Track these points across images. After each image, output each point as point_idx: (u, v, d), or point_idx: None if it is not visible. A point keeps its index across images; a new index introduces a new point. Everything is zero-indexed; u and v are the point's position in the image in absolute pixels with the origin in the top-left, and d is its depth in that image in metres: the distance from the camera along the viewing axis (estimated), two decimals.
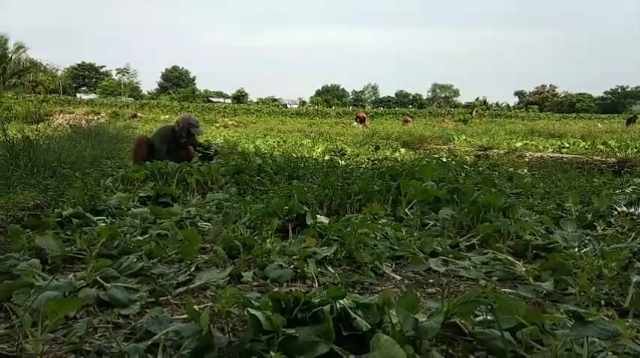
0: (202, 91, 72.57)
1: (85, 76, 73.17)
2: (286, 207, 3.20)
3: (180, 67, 78.12)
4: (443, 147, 11.33)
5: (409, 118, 31.83)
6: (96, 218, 3.08)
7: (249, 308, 1.37)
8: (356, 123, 29.89)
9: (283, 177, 4.99)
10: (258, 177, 4.94)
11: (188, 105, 40.29)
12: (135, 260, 2.19)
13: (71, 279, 1.96)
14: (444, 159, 9.29)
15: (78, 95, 56.03)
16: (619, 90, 72.57)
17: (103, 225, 2.94)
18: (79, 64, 72.54)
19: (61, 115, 27.57)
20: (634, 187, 5.00)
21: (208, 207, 3.65)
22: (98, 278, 1.96)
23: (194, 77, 78.63)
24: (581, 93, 72.60)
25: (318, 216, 3.14)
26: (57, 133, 7.40)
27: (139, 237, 2.68)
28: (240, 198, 3.93)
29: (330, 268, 2.31)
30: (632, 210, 3.85)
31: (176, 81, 74.85)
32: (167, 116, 33.89)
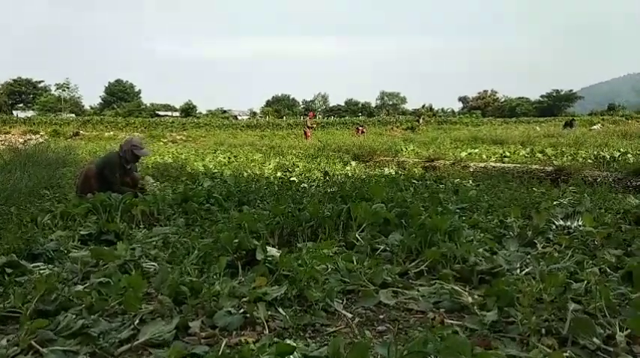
0: (148, 105, 70.66)
1: (22, 91, 69.60)
2: (236, 241, 3.15)
3: (125, 81, 75.87)
4: (392, 159, 11.54)
5: (363, 128, 32.24)
6: (32, 264, 2.92)
7: None
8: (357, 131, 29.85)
9: (233, 203, 4.91)
10: (208, 204, 4.85)
11: (134, 121, 39.07)
12: (74, 316, 2.08)
13: (5, 345, 1.84)
14: (394, 172, 9.50)
15: (14, 112, 53.20)
16: (554, 94, 76.69)
17: (41, 271, 2.78)
18: (14, 80, 68.95)
19: None
20: (569, 198, 5.29)
21: (154, 242, 3.54)
22: (33, 342, 1.85)
23: (139, 90, 76.58)
24: (520, 97, 76.28)
25: (268, 248, 3.11)
26: None
27: (79, 286, 2.55)
28: (188, 232, 3.83)
29: (280, 310, 2.28)
30: (569, 223, 4.06)
31: (120, 95, 72.50)
32: (111, 133, 32.76)
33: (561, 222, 4.06)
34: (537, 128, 35.35)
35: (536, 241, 3.56)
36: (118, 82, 75.07)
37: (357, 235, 3.68)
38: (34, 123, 35.52)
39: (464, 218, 4.46)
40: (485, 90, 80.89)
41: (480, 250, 3.23)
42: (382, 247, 3.42)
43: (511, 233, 3.83)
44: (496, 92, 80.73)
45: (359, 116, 63.97)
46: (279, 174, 9.73)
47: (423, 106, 57.49)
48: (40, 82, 70.92)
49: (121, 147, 5.73)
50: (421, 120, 42.18)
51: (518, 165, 8.70)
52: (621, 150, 10.26)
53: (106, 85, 74.10)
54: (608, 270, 2.87)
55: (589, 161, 8.59)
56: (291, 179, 8.66)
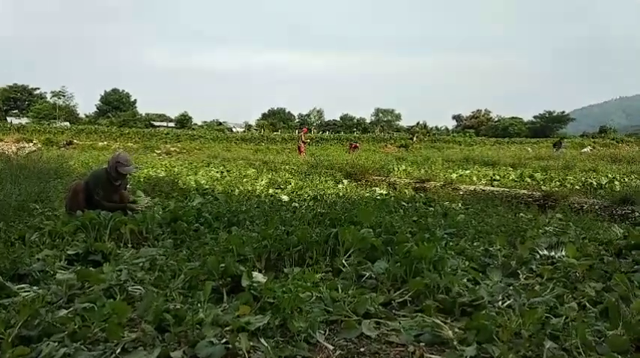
0: (144, 115, 70.69)
1: (17, 98, 69.45)
2: (222, 266, 3.17)
3: (121, 90, 75.94)
4: (384, 179, 11.62)
5: (357, 144, 32.40)
6: (17, 286, 2.92)
7: None
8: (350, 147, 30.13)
9: (223, 223, 4.94)
10: (197, 224, 4.87)
11: (128, 131, 39.07)
12: (56, 344, 2.09)
13: None
14: (384, 192, 9.57)
15: (8, 119, 53.00)
16: (546, 115, 77.62)
17: (26, 294, 2.79)
18: (10, 86, 68.84)
19: None
20: (555, 226, 5.36)
21: (142, 263, 3.55)
22: None
23: (135, 100, 76.62)
24: (513, 117, 77.07)
25: (254, 273, 3.13)
26: None
27: (64, 310, 2.56)
28: (176, 253, 3.85)
29: (263, 341, 2.30)
30: (553, 253, 4.12)
31: (116, 104, 72.48)
32: (105, 143, 32.69)
33: (545, 252, 4.11)
34: (529, 149, 35.77)
35: (519, 271, 3.61)
36: (115, 91, 75.11)
37: (343, 261, 3.72)
38: (27, 131, 35.43)
39: (451, 244, 4.52)
40: (479, 110, 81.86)
41: (464, 280, 3.28)
42: (368, 274, 3.46)
43: (496, 262, 3.88)
44: (490, 112, 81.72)
45: (354, 132, 64.39)
46: (270, 191, 9.78)
47: (417, 124, 58.03)
48: (35, 89, 70.88)
49: (108, 163, 5.70)
50: (415, 138, 42.55)
51: (507, 190, 8.81)
52: (609, 176, 10.41)
53: (102, 94, 74.14)
54: (588, 305, 2.91)
55: (577, 187, 8.71)
56: (283, 197, 8.72)
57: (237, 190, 9.28)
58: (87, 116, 68.93)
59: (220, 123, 59.30)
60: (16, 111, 66.37)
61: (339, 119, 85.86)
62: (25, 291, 2.85)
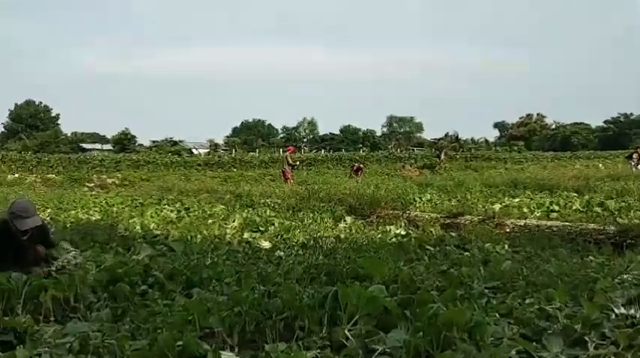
0: (69, 135, 71.08)
1: None
2: (180, 344, 3.20)
3: (37, 102, 76.47)
4: (401, 213, 11.70)
5: (360, 166, 32.59)
6: None
7: None
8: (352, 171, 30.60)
9: (180, 284, 4.98)
10: (145, 286, 4.90)
11: (48, 157, 39.06)
12: None
13: None
14: (402, 233, 9.62)
15: None
16: (621, 119, 78.50)
17: None
18: None
19: None
20: (636, 273, 5.42)
21: (69, 345, 3.57)
22: None
23: (57, 115, 77.08)
24: (576, 124, 77.97)
25: (224, 353, 3.17)
26: None
27: None
28: (116, 328, 3.87)
29: None
30: (632, 311, 4.17)
31: (31, 121, 72.95)
32: (16, 175, 32.70)
33: (622, 310, 4.17)
34: (600, 165, 36.08)
35: (587, 338, 3.64)
36: (29, 103, 75.66)
37: (346, 331, 3.75)
38: None
39: (493, 303, 4.56)
40: (529, 115, 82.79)
41: (512, 353, 3.32)
42: (380, 349, 3.49)
43: (555, 326, 3.93)
44: (544, 116, 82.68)
45: (359, 149, 64.87)
46: (246, 235, 9.82)
47: (446, 136, 58.41)
48: None
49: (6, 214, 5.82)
50: (443, 156, 42.81)
51: (570, 224, 8.89)
52: None
53: (12, 109, 74.60)
54: None
55: None
56: (263, 244, 8.76)
57: (199, 236, 9.31)
58: None
59: (175, 143, 59.45)
60: None
61: (338, 132, 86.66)
62: None
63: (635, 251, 7.10)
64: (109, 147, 63.29)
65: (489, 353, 3.13)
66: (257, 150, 58.96)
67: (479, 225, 9.74)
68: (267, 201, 15.62)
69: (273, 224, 10.92)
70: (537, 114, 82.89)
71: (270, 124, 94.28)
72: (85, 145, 67.48)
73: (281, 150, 51.01)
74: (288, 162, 27.52)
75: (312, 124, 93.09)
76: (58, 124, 75.18)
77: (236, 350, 3.57)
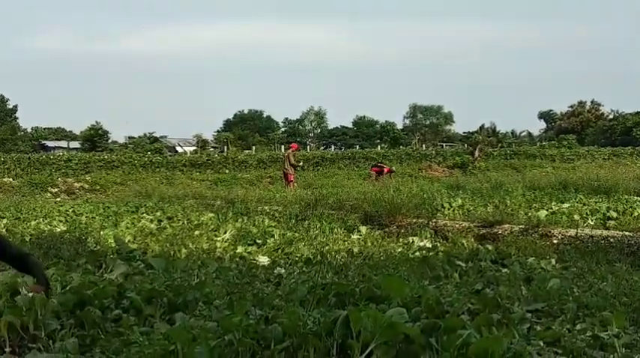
0: (30, 131, 71.35)
1: None
2: None
3: None
4: (426, 222, 11.69)
5: (384, 166, 32.55)
6: None
7: None
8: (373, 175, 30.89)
9: (160, 308, 5.03)
10: (118, 311, 4.95)
11: (4, 158, 39.24)
12: None
13: None
14: (427, 245, 9.63)
15: None
16: None
17: None
18: None
19: None
20: None
21: None
22: None
23: (15, 107, 77.38)
24: (639, 113, 77.25)
25: None
26: None
27: None
28: None
29: None
30: None
31: None
32: None
33: None
34: None
35: None
36: None
37: None
38: None
39: (538, 329, 4.60)
40: (581, 103, 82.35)
41: None
42: None
43: (611, 356, 3.97)
44: (600, 104, 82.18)
45: (377, 145, 64.63)
46: (240, 249, 9.85)
47: (481, 128, 58.25)
48: None
49: None
50: (477, 153, 42.62)
51: (630, 234, 8.88)
52: None
53: None
54: None
55: None
56: (260, 260, 8.80)
57: (184, 251, 9.35)
58: None
59: (156, 139, 59.50)
60: None
61: (351, 125, 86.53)
62: None
63: None
64: (76, 145, 63.31)
65: None
66: (253, 147, 58.90)
67: (520, 235, 9.73)
68: (266, 208, 15.62)
69: (273, 235, 10.93)
70: (592, 102, 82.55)
71: (269, 116, 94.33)
72: (47, 143, 67.65)
73: (282, 147, 50.94)
74: (290, 161, 27.53)
75: (320, 116, 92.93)
76: (15, 118, 75.42)
77: None
